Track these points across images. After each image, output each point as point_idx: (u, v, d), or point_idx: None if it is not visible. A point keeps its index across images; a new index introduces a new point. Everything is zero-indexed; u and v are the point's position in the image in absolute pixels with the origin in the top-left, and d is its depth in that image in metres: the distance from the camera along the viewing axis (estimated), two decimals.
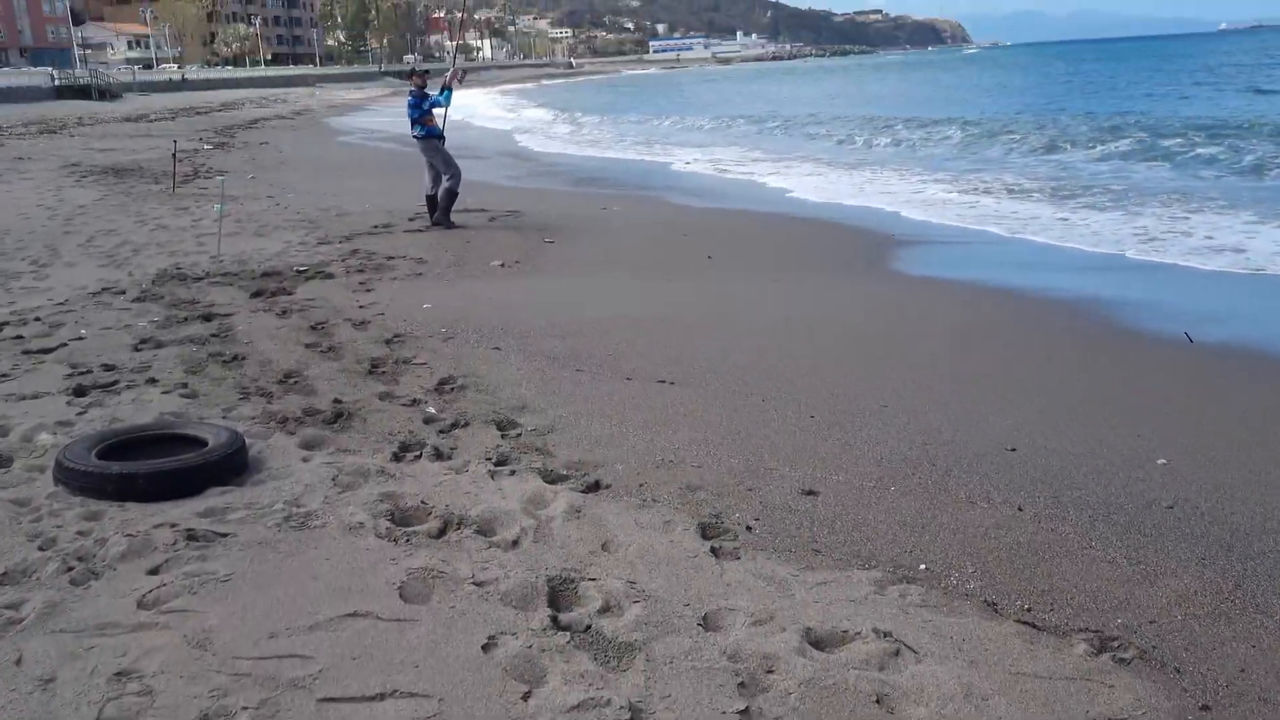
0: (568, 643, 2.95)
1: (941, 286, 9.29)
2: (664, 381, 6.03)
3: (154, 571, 3.50)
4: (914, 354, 6.66)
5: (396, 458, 4.74)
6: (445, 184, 12.09)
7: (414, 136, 12.17)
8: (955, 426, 5.13)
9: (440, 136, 12.13)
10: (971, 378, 6.11)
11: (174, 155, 16.76)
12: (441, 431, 5.14)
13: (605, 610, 3.18)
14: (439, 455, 4.75)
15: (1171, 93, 41.74)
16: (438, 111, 12.11)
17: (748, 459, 4.70)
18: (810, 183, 17.97)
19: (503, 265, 10.19)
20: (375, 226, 12.45)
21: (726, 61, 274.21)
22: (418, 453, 4.80)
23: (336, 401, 5.62)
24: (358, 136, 34.98)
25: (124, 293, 8.99)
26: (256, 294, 8.88)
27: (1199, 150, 20.09)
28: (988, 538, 3.79)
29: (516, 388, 5.91)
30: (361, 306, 8.26)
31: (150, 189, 17.70)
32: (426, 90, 12.11)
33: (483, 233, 12.11)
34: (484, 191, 15.88)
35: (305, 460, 4.70)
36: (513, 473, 4.50)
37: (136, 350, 6.90)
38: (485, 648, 2.97)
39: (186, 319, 7.86)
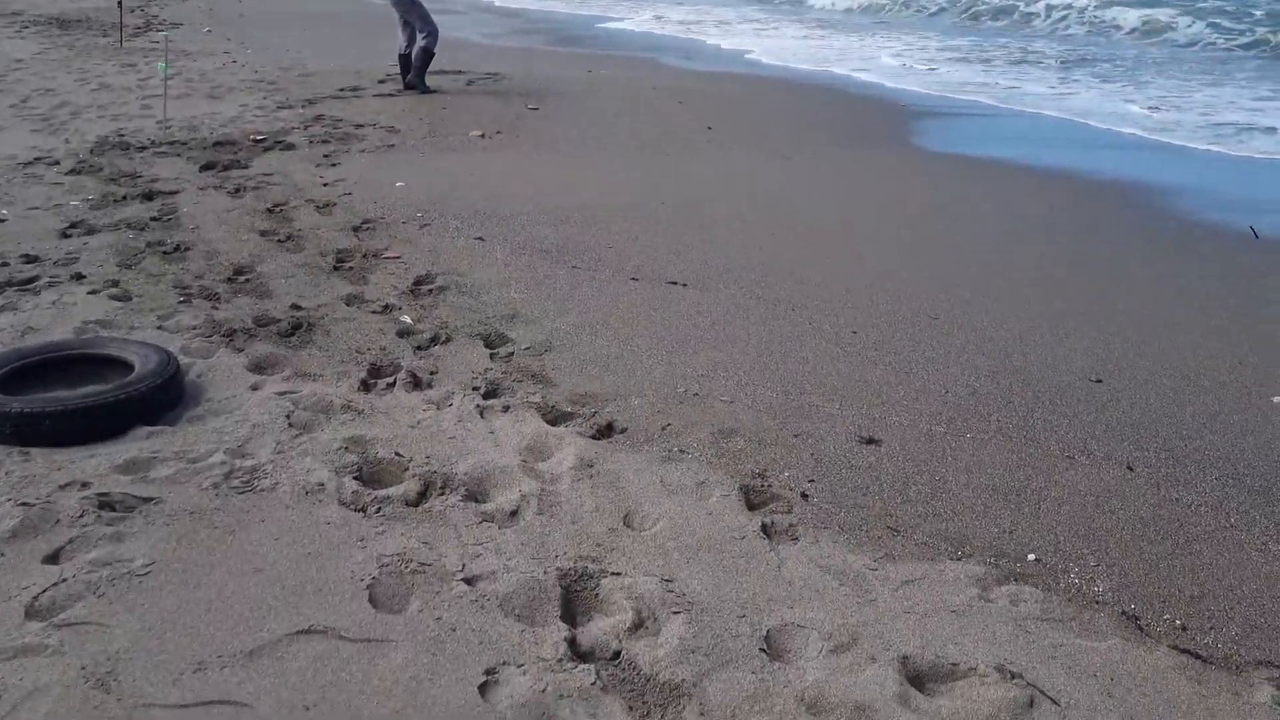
0: (592, 683, 2.22)
1: (974, 166, 8.41)
2: (676, 283, 5.20)
3: (53, 559, 2.72)
4: (960, 250, 5.85)
5: (365, 385, 3.93)
6: (420, 42, 10.91)
7: None
8: (1025, 349, 4.36)
9: None
10: (1031, 281, 5.31)
11: (119, 3, 15.24)
12: (419, 348, 4.32)
13: (638, 626, 2.44)
14: (416, 383, 3.95)
15: None
16: None
17: (787, 391, 3.92)
18: (774, 45, 16.79)
19: (483, 136, 9.17)
20: (342, 89, 11.29)
21: None
22: (390, 379, 4.00)
23: (294, 308, 4.76)
24: None
25: (58, 163, 7.96)
26: (206, 167, 7.88)
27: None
28: (1101, 511, 3.06)
29: (504, 289, 5.07)
30: (326, 185, 7.30)
31: (97, 42, 16.25)
32: None
33: (460, 98, 11.00)
34: (460, 50, 14.60)
35: (254, 388, 3.88)
36: (506, 408, 3.71)
37: (64, 237, 5.96)
38: (483, 688, 2.23)
39: (125, 198, 6.88)
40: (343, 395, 3.82)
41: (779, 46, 16.94)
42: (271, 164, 7.98)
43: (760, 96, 11.94)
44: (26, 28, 18.77)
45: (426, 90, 11.07)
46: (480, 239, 5.92)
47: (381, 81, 11.74)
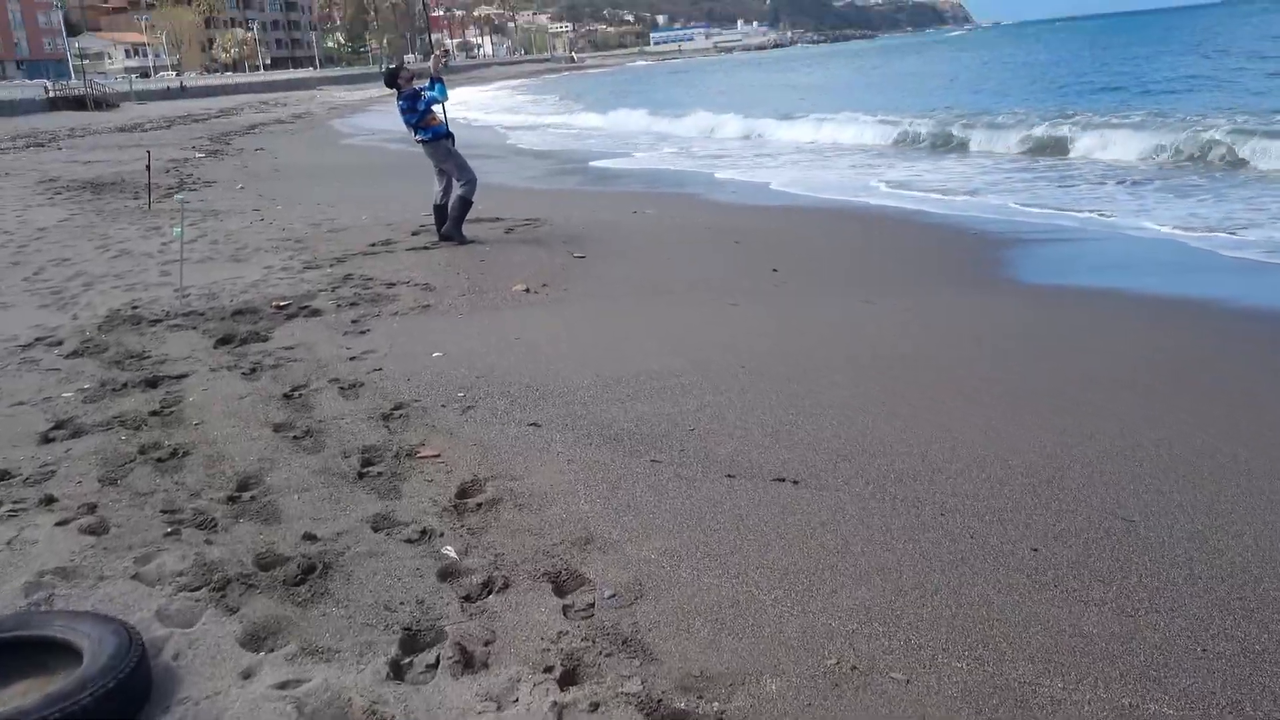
0: None
1: (1086, 300, 7.40)
2: (783, 480, 4.15)
3: None
4: (1127, 417, 4.76)
5: (397, 669, 2.87)
6: (458, 191, 10.22)
7: (418, 141, 10.27)
8: None
9: (449, 135, 10.24)
10: (1240, 460, 4.20)
11: (148, 166, 14.88)
12: (468, 598, 3.28)
13: None
14: (467, 660, 2.89)
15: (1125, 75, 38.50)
16: (437, 109, 10.22)
17: (980, 657, 2.82)
18: (794, 175, 16.09)
19: (527, 290, 8.31)
20: (374, 244, 10.58)
21: (728, 50, 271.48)
22: (432, 654, 2.93)
23: (308, 538, 3.75)
24: (361, 138, 33.10)
25: (60, 344, 7.18)
26: (223, 341, 7.04)
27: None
28: None
29: (571, 499, 4.04)
30: (353, 358, 6.40)
31: (127, 205, 15.88)
32: (417, 88, 10.19)
33: (500, 248, 10.23)
34: (496, 196, 13.99)
35: (246, 677, 2.85)
36: (595, 706, 2.63)
37: (45, 442, 5.05)
38: None
39: (126, 385, 6.00)
40: (366, 688, 2.76)
41: (799, 177, 16.29)
42: (294, 334, 7.13)
43: (816, 231, 11.10)
44: (60, 193, 18.60)
45: (464, 241, 10.33)
46: (535, 425, 4.93)
47: (415, 234, 11.04)
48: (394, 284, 8.69)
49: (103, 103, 65.47)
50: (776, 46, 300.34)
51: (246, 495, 4.21)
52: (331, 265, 9.58)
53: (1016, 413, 4.90)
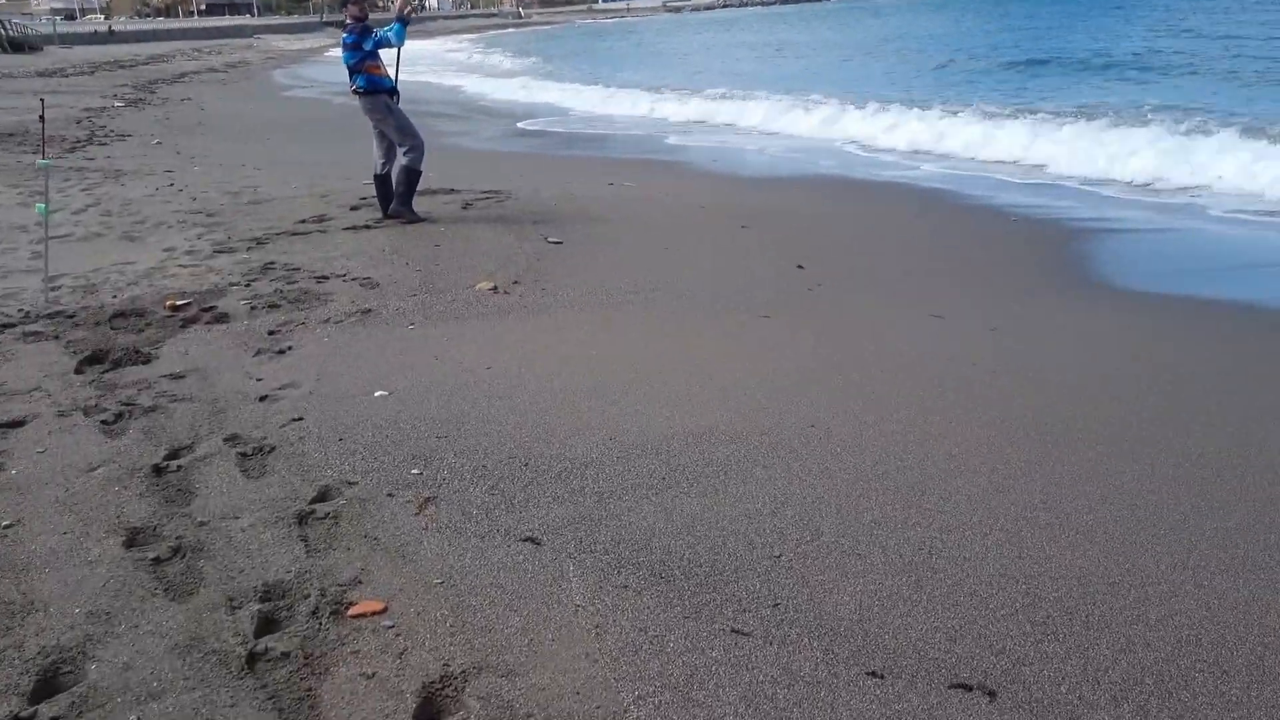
0: None
1: (1211, 313, 5.84)
2: (968, 688, 2.49)
3: None
4: None
5: None
6: (403, 160, 8.37)
7: (354, 91, 8.37)
8: None
9: (392, 91, 8.36)
10: None
11: (41, 117, 12.70)
12: None
13: None
14: None
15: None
16: (387, 54, 8.33)
17: None
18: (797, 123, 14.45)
19: (495, 290, 6.56)
20: (304, 221, 8.70)
21: (677, 10, 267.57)
22: None
23: None
24: (302, 90, 30.66)
25: None
26: (90, 361, 5.22)
27: None
28: None
29: (607, 702, 2.34)
30: (264, 397, 4.62)
31: (19, 161, 13.66)
32: (369, 25, 8.27)
33: (457, 228, 8.41)
34: (451, 162, 12.12)
35: None
36: None
37: None
38: None
39: None
40: None
41: (803, 125, 14.62)
42: (189, 351, 5.31)
43: (841, 211, 9.44)
44: None
45: (414, 219, 8.49)
46: (532, 541, 3.22)
47: (355, 208, 9.17)
48: (326, 277, 6.86)
49: (23, 45, 61.40)
50: (725, 7, 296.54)
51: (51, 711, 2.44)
52: (249, 249, 7.71)
53: (1199, 494, 3.29)
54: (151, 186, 10.66)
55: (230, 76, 42.35)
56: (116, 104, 26.67)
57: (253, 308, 6.18)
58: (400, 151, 8.38)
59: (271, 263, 7.24)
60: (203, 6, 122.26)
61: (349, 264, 7.21)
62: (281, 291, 6.50)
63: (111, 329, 5.81)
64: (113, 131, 18.62)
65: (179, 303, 6.28)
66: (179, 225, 8.56)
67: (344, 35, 8.21)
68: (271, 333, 5.71)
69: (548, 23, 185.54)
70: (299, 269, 7.09)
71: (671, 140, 15.66)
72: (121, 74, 42.07)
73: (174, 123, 21.09)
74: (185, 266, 7.20)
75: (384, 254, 7.50)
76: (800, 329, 5.70)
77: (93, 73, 42.97)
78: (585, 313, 6.08)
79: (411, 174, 8.41)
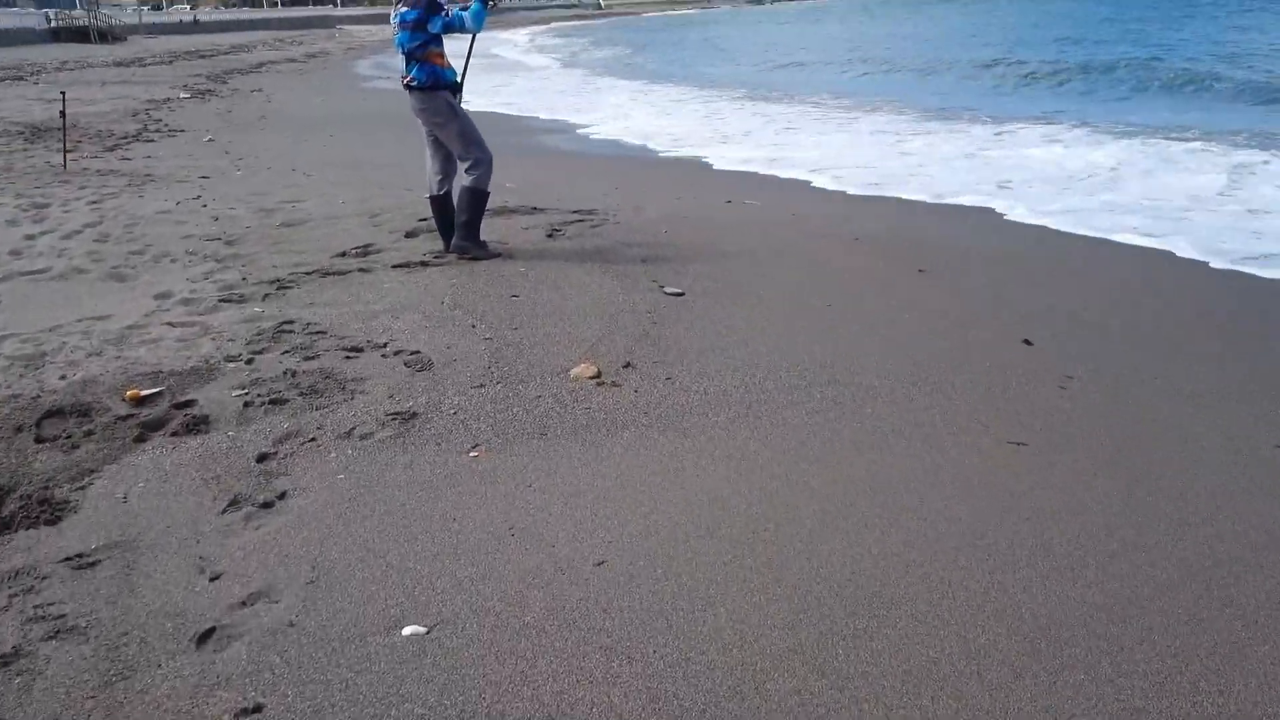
0: None
1: None
2: None
3: None
4: None
5: None
6: (466, 180, 6.34)
7: (407, 85, 6.32)
8: None
9: (455, 86, 6.31)
10: None
11: (62, 113, 11.02)
12: None
13: None
14: None
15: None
16: (452, 42, 6.30)
17: None
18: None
19: (598, 377, 4.49)
20: (344, 254, 6.73)
21: (760, 2, 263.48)
22: None
23: None
24: (384, 82, 28.94)
25: None
26: None
27: None
28: None
29: None
30: (206, 635, 2.61)
31: (49, 162, 11.99)
32: (437, 0, 6.17)
33: (543, 268, 6.35)
34: (526, 169, 10.11)
35: None
36: None
37: None
38: None
39: None
40: None
41: (951, 147, 12.27)
42: (127, 497, 3.36)
43: (1047, 256, 7.18)
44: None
45: (482, 254, 6.46)
46: None
47: (410, 235, 7.19)
48: (359, 349, 4.86)
49: (108, 35, 61.48)
50: None
51: None
52: (266, 297, 5.75)
53: None
54: (174, 199, 8.82)
55: (308, 67, 41.14)
56: (182, 95, 25.35)
57: (247, 404, 4.20)
58: (463, 167, 6.36)
59: (289, 322, 5.26)
60: None
61: (393, 325, 5.20)
62: (294, 375, 4.51)
63: (35, 440, 3.89)
64: (166, 126, 17.07)
65: (145, 393, 4.33)
66: (186, 258, 6.65)
67: (401, 9, 6.16)
68: (263, 457, 3.73)
69: (628, 13, 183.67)
70: (324, 332, 5.10)
71: (784, 149, 13.42)
72: (200, 64, 41.17)
73: (235, 116, 19.51)
74: (175, 325, 5.26)
75: (442, 309, 5.48)
76: (1081, 471, 3.53)
77: (171, 62, 42.16)
78: (737, 425, 3.98)
79: (477, 196, 6.38)
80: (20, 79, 31.64)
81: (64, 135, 11.16)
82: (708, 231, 7.43)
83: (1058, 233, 7.67)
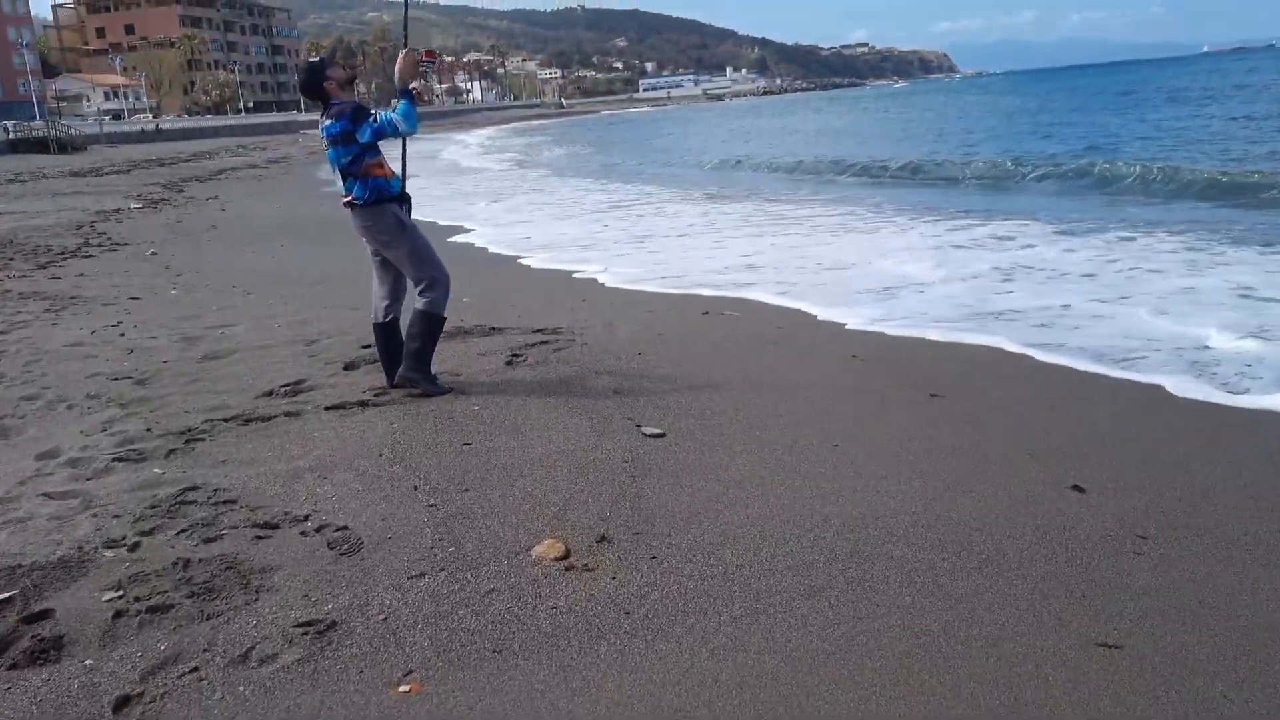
0: None
1: None
2: None
3: None
4: None
5: None
6: (419, 303, 5.53)
7: (348, 204, 5.51)
8: None
9: (399, 198, 5.52)
10: None
11: None
12: None
13: None
14: None
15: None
16: (387, 149, 5.53)
17: None
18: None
19: (566, 559, 3.62)
20: (270, 393, 5.85)
21: (718, 98, 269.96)
22: None
23: None
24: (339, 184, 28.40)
25: None
26: None
27: None
28: None
29: None
30: None
31: None
32: (361, 104, 5.41)
33: (501, 405, 5.49)
34: (483, 281, 9.34)
35: None
36: None
37: None
38: None
39: None
40: None
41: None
42: None
43: (1064, 382, 6.43)
44: None
45: (432, 389, 5.60)
46: None
47: (349, 367, 6.32)
48: (274, 525, 3.95)
49: (67, 145, 61.14)
50: (765, 94, 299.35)
51: None
52: (170, 453, 4.84)
53: None
54: (92, 326, 7.94)
55: (268, 172, 40.75)
56: (134, 205, 24.64)
57: (118, 613, 3.29)
58: (417, 290, 5.54)
59: (193, 488, 4.35)
60: (250, 104, 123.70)
61: (319, 490, 4.30)
62: (186, 567, 3.60)
63: None
64: (110, 240, 16.25)
65: None
66: (86, 401, 5.74)
67: (325, 122, 5.39)
68: (123, 702, 2.80)
69: (589, 112, 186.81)
70: (234, 502, 4.19)
71: (755, 254, 12.77)
72: (159, 172, 40.69)
73: (184, 226, 18.78)
74: (52, 497, 4.33)
75: (380, 464, 4.59)
76: (1196, 688, 2.66)
77: (129, 171, 41.63)
78: (745, 627, 3.11)
79: (431, 322, 5.55)
80: None
81: None
82: (686, 351, 6.63)
83: (1080, 348, 6.94)
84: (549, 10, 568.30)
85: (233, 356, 6.67)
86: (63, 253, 14.38)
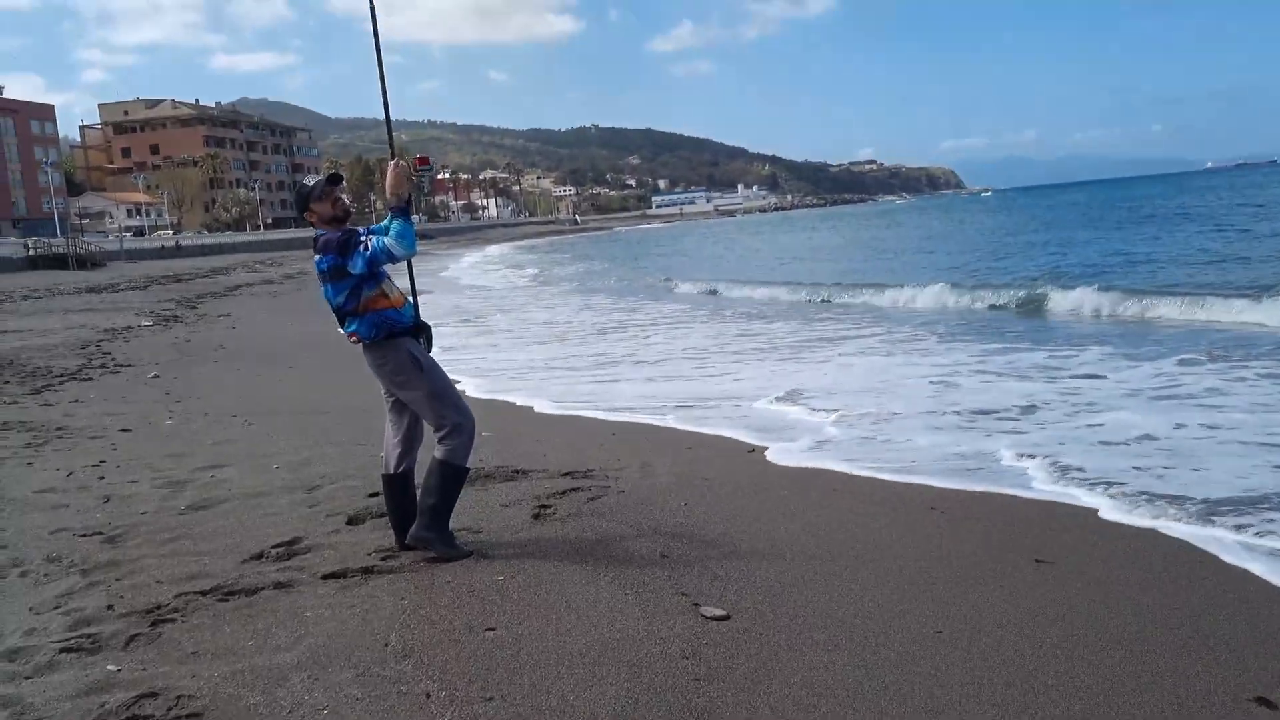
0: None
1: None
2: None
3: None
4: None
5: None
6: (439, 450, 4.75)
7: (354, 340, 4.76)
8: None
9: (416, 331, 4.77)
10: None
11: None
12: None
13: None
14: None
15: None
16: (392, 274, 4.81)
17: None
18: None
19: None
20: (259, 555, 5.01)
21: (730, 214, 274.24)
22: None
23: None
24: None
25: None
26: None
27: None
28: None
29: None
30: None
31: None
32: (352, 231, 4.69)
33: (530, 573, 4.64)
34: (498, 409, 8.57)
35: None
36: None
37: None
38: None
39: None
40: None
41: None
42: None
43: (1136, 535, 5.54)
44: None
45: (450, 553, 4.76)
46: None
47: (354, 521, 5.49)
48: None
49: (86, 261, 61.65)
50: (777, 210, 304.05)
51: None
52: (131, 641, 3.99)
53: None
54: (71, 466, 7.15)
55: (284, 288, 40.63)
56: (144, 323, 24.19)
57: None
58: (437, 435, 4.75)
59: (150, 696, 3.49)
60: (269, 220, 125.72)
61: (308, 698, 3.43)
62: None
63: None
64: (113, 360, 15.61)
65: None
66: (44, 567, 4.90)
67: (315, 258, 4.68)
68: None
69: (602, 228, 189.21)
70: (199, 715, 3.31)
71: (789, 381, 11.99)
72: (174, 288, 40.61)
73: (192, 346, 18.19)
74: None
75: (384, 659, 3.72)
76: None
77: (145, 287, 41.55)
78: None
79: (451, 475, 4.74)
80: None
81: None
82: (738, 503, 5.79)
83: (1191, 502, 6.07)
84: (564, 129, 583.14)
85: (221, 507, 5.85)
86: (61, 375, 13.73)
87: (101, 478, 6.69)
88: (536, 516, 5.48)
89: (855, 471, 6.51)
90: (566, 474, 6.43)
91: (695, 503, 5.75)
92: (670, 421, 8.54)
